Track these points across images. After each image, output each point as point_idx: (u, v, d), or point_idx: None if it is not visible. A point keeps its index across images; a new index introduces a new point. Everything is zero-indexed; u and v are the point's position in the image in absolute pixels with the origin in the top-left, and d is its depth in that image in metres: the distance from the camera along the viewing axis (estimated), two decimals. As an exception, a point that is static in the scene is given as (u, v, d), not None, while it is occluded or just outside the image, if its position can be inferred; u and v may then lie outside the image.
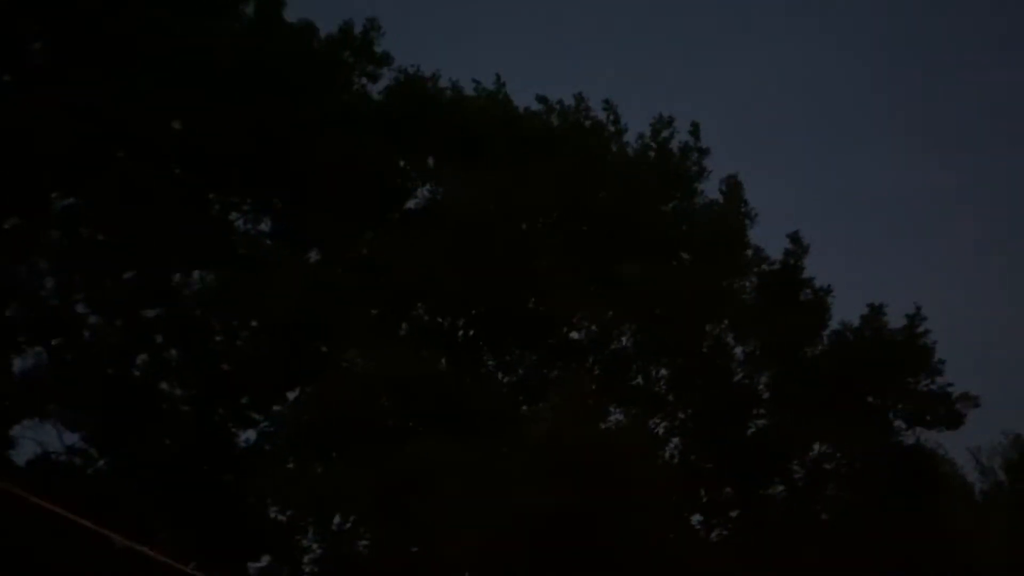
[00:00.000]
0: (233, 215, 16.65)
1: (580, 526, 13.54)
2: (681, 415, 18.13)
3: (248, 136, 15.01)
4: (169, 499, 13.66)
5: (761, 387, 19.13)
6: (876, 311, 19.19)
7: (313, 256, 16.98)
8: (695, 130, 19.05)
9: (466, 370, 16.16)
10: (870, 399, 19.21)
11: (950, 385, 18.79)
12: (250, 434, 16.01)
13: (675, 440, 18.26)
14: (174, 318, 15.66)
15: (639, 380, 17.89)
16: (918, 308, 18.95)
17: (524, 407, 15.50)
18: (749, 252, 19.13)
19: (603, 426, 15.79)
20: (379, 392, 15.31)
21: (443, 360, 16.28)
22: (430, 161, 17.64)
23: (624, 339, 17.99)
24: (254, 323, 16.25)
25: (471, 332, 17.46)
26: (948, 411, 18.82)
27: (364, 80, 17.06)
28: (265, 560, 15.38)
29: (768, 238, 19.42)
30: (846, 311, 19.37)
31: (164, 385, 15.61)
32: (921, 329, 18.96)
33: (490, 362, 17.33)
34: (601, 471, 13.65)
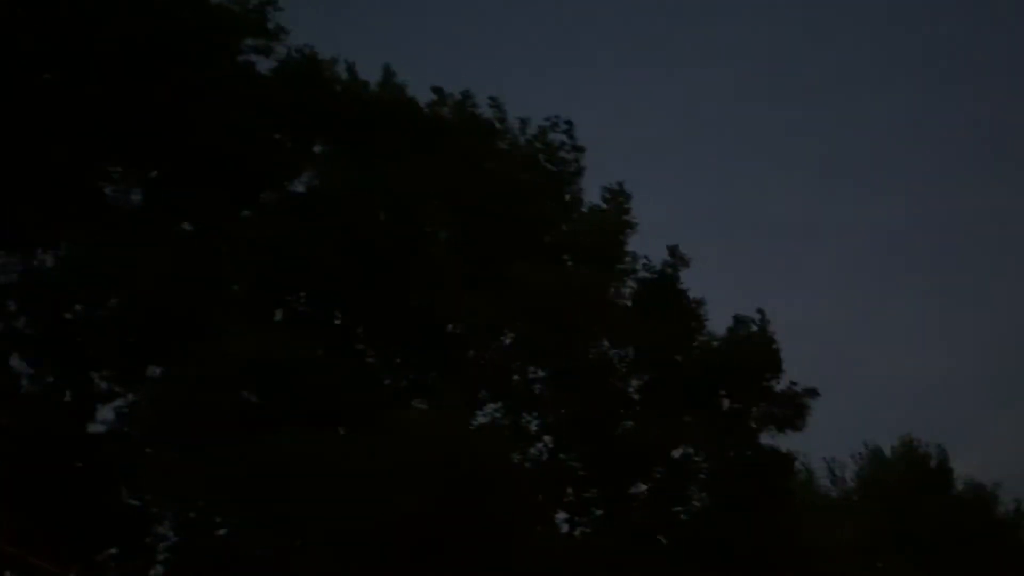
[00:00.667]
0: (102, 184, 15.76)
1: (442, 524, 13.41)
2: (554, 415, 18.24)
3: (122, 101, 14.22)
4: (12, 484, 12.81)
5: (633, 391, 19.53)
6: (741, 321, 19.81)
7: (186, 232, 16.23)
8: (570, 129, 19.38)
9: (342, 361, 15.74)
10: (731, 403, 19.78)
11: (794, 384, 19.54)
12: (108, 414, 15.25)
13: (547, 439, 18.37)
14: (30, 287, 14.74)
15: (517, 378, 17.89)
16: (760, 311, 19.67)
17: (398, 403, 15.20)
18: (628, 259, 19.50)
19: (470, 424, 15.66)
20: (248, 377, 14.78)
21: (319, 350, 15.83)
22: (317, 145, 17.20)
23: (504, 337, 17.97)
24: (117, 297, 15.45)
25: (350, 323, 17.07)
26: (794, 409, 19.49)
27: (254, 55, 16.49)
28: (116, 550, 14.62)
29: (653, 250, 19.84)
30: (721, 320, 19.90)
31: (14, 360, 14.67)
32: (770, 331, 19.66)
33: (368, 355, 16.98)
34: (464, 469, 13.55)
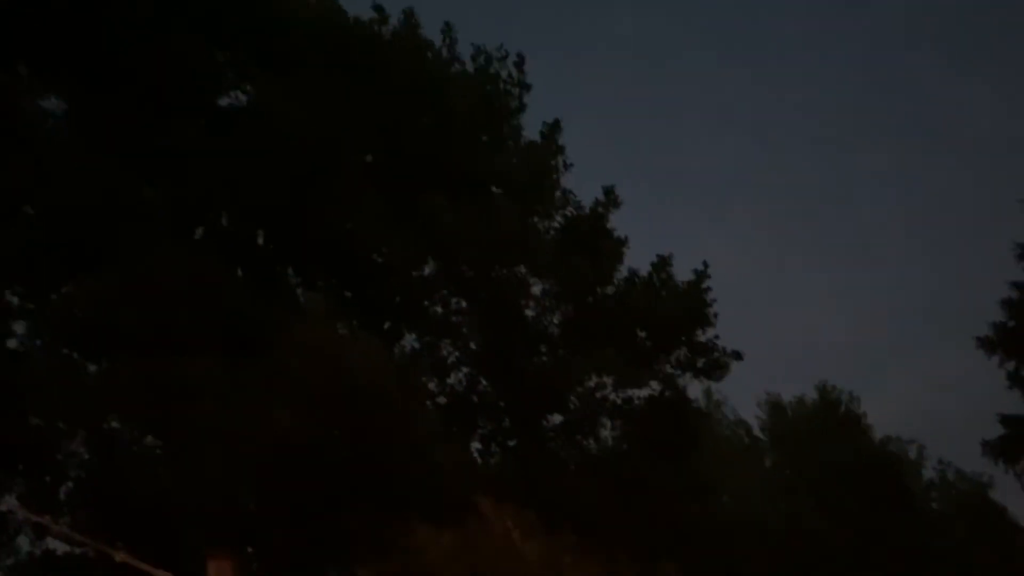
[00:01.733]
0: (17, 91, 14.96)
1: (347, 449, 13.45)
2: (473, 346, 18.29)
3: (38, 7, 13.46)
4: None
5: (552, 324, 19.68)
6: (664, 262, 20.01)
7: (104, 144, 15.57)
8: (520, 63, 19.08)
9: (261, 286, 15.45)
10: (650, 343, 20.07)
11: (717, 338, 19.93)
12: (19, 329, 14.77)
13: (464, 370, 18.44)
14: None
15: (437, 309, 17.84)
16: (705, 265, 19.92)
17: (313, 326, 14.98)
18: (559, 195, 19.43)
19: (385, 351, 15.58)
20: (163, 295, 14.42)
21: (238, 270, 15.51)
22: (245, 61, 16.55)
23: (426, 267, 17.84)
24: (29, 209, 14.83)
25: (271, 245, 16.71)
26: (716, 362, 19.93)
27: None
28: (23, 467, 14.29)
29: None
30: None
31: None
32: (705, 285, 19.92)
33: (288, 279, 16.71)
34: (371, 398, 13.54)
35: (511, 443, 19.24)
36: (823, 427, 27.87)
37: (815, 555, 23.74)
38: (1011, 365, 19.83)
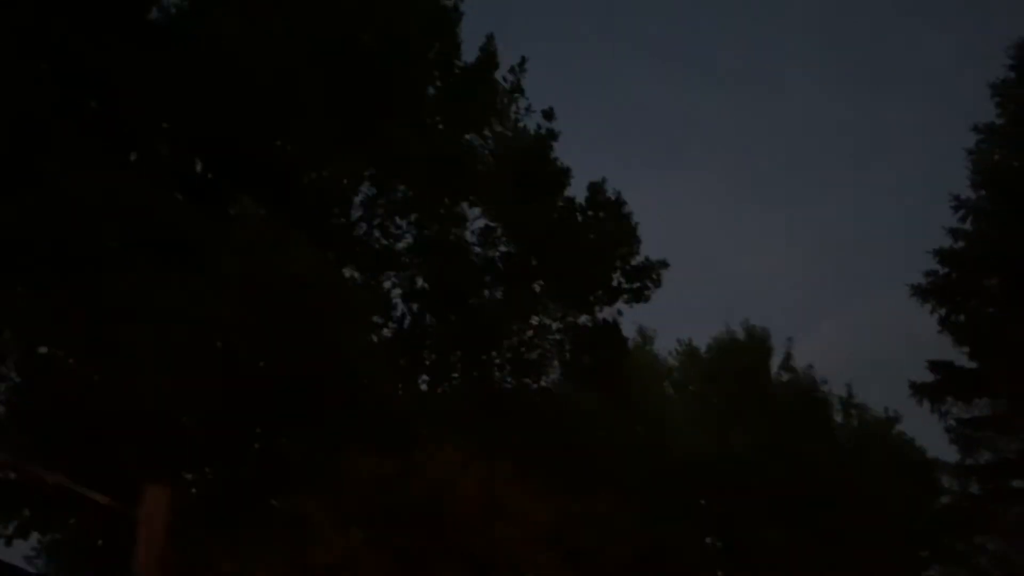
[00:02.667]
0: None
1: (288, 376, 13.24)
2: (419, 279, 18.06)
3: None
4: None
5: (496, 257, 19.55)
6: (597, 189, 19.93)
7: (32, 61, 14.72)
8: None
9: (201, 209, 14.92)
10: (587, 271, 20.05)
11: (647, 259, 19.96)
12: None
13: (409, 304, 18.23)
14: None
15: (380, 239, 17.49)
16: (618, 193, 19.87)
17: (253, 253, 14.56)
18: (503, 126, 19.14)
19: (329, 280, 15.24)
20: (98, 217, 13.85)
21: (177, 194, 14.93)
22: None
23: (367, 192, 17.43)
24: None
25: (211, 170, 16.11)
26: (646, 281, 19.97)
27: None
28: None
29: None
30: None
31: None
32: (626, 210, 19.89)
33: (228, 205, 16.15)
34: (316, 324, 13.29)
35: (455, 376, 19.17)
36: (749, 363, 28.56)
37: (743, 485, 24.40)
38: (942, 311, 20.24)
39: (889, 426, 29.57)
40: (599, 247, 19.78)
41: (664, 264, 19.99)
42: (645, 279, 19.93)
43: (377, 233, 17.21)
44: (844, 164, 68.30)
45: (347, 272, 16.81)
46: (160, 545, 13.11)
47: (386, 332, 17.68)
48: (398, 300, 18.05)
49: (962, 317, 20.26)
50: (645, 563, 18.26)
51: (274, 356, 13.80)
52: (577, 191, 19.96)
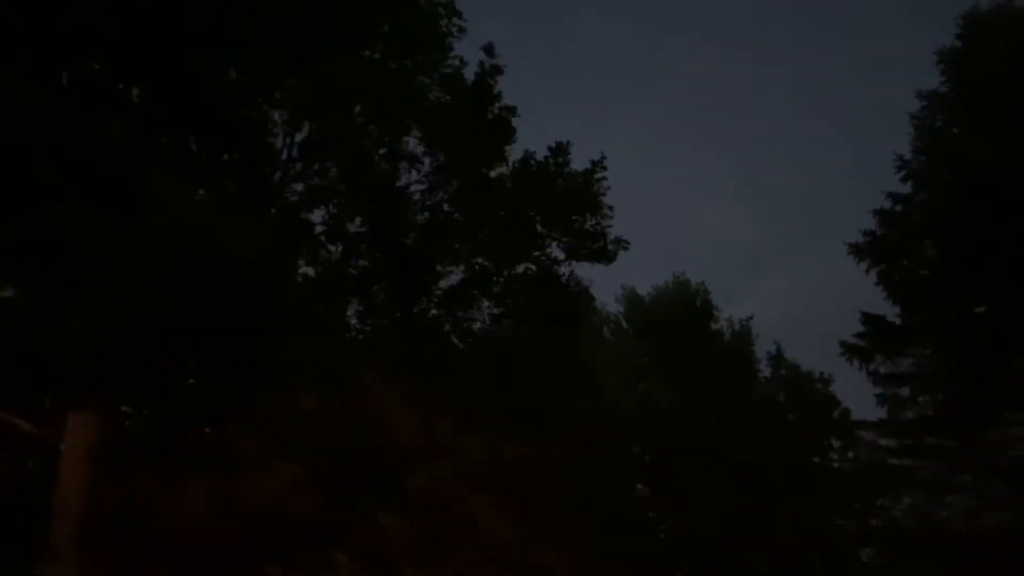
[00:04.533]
0: None
1: (223, 315, 12.82)
2: (357, 221, 17.54)
3: None
4: None
5: (440, 200, 19.12)
6: (562, 148, 19.59)
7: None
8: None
9: (135, 140, 14.23)
10: (540, 227, 19.75)
11: (609, 227, 19.76)
12: None
13: (344, 242, 17.69)
14: None
15: (316, 175, 16.92)
16: (603, 156, 19.55)
17: (185, 188, 13.95)
18: (451, 61, 18.58)
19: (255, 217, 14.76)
20: (27, 148, 13.16)
21: (112, 124, 14.20)
22: None
23: (307, 129, 16.80)
24: None
25: (146, 102, 15.31)
26: (603, 250, 19.78)
27: None
28: None
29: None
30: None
31: None
32: (600, 176, 19.59)
33: (162, 137, 15.42)
34: (241, 272, 12.86)
35: (391, 318, 18.80)
36: (687, 315, 28.78)
37: (675, 439, 24.69)
38: (878, 269, 20.44)
39: (821, 385, 30.12)
40: (557, 204, 19.46)
41: (626, 243, 19.76)
42: (602, 247, 19.73)
43: (314, 168, 16.62)
44: (795, 121, 68.59)
45: (279, 207, 16.27)
46: (84, 473, 12.73)
47: (320, 268, 17.16)
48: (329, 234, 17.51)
49: (896, 276, 20.49)
50: (579, 506, 18.30)
51: (207, 293, 13.32)
52: (532, 138, 19.60)
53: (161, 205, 13.22)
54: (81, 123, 13.23)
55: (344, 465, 13.04)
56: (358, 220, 17.94)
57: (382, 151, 17.90)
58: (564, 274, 20.06)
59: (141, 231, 13.05)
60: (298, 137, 17.10)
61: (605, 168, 19.59)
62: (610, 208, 19.71)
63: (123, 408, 14.58)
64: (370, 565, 12.55)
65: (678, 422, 24.68)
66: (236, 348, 13.93)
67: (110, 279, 12.24)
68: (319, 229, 17.56)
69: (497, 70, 18.94)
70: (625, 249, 19.93)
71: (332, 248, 17.76)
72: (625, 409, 24.35)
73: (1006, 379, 18.89)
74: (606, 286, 38.28)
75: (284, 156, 16.96)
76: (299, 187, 17.02)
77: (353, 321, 18.08)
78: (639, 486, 27.13)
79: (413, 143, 18.52)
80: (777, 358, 30.62)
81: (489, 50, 18.76)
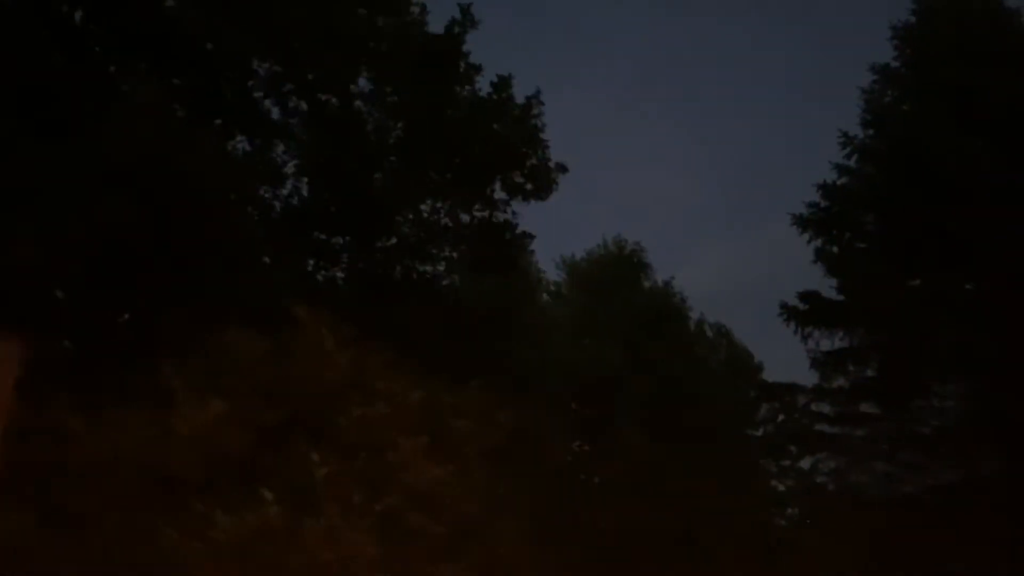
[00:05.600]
0: None
1: (170, 246, 12.50)
2: (309, 155, 17.19)
3: None
4: None
5: (393, 141, 18.85)
6: (504, 83, 19.36)
7: None
8: None
9: (81, 69, 13.71)
10: (485, 166, 19.58)
11: (548, 161, 19.54)
12: None
13: (299, 180, 17.42)
14: None
15: (275, 112, 16.57)
16: (538, 90, 19.35)
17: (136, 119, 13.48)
18: (414, 9, 18.25)
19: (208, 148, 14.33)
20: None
21: (55, 53, 13.66)
22: None
23: (264, 63, 16.36)
24: None
25: (91, 26, 14.73)
26: (544, 181, 19.68)
27: None
28: None
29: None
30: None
31: None
32: (536, 111, 19.42)
33: (110, 68, 14.89)
34: (196, 194, 12.51)
35: (342, 260, 18.60)
36: (616, 277, 28.99)
37: (609, 394, 24.93)
38: (819, 242, 20.64)
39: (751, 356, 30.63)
40: (502, 142, 19.24)
41: (564, 168, 19.65)
42: (543, 180, 19.56)
43: (270, 104, 16.22)
44: (745, 91, 68.70)
45: (235, 142, 15.85)
46: (8, 403, 12.38)
47: (276, 205, 16.85)
48: (290, 176, 17.20)
49: (835, 249, 20.71)
50: (512, 454, 18.39)
51: (152, 224, 12.98)
52: (482, 82, 19.33)
53: (98, 118, 12.81)
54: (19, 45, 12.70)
55: (276, 404, 12.87)
56: (318, 157, 17.64)
57: (339, 87, 17.52)
58: (507, 217, 20.08)
59: (75, 145, 12.63)
60: (262, 71, 16.69)
61: (542, 103, 19.50)
62: (547, 144, 19.67)
63: (51, 338, 14.20)
64: (297, 504, 12.45)
65: (613, 378, 24.88)
66: (174, 279, 13.63)
67: (39, 195, 11.83)
68: (270, 164, 17.23)
69: (471, 23, 18.65)
70: (564, 172, 19.81)
71: (291, 184, 17.49)
72: (563, 364, 24.47)
73: (934, 352, 19.28)
74: (549, 247, 38.20)
75: (246, 89, 16.53)
76: (258, 119, 16.63)
77: (302, 263, 17.87)
78: (578, 443, 27.41)
79: (365, 84, 18.27)
80: (715, 325, 31.09)
81: (465, 11, 18.49)
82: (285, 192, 17.32)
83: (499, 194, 19.68)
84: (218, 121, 15.12)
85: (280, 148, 16.91)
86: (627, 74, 67.46)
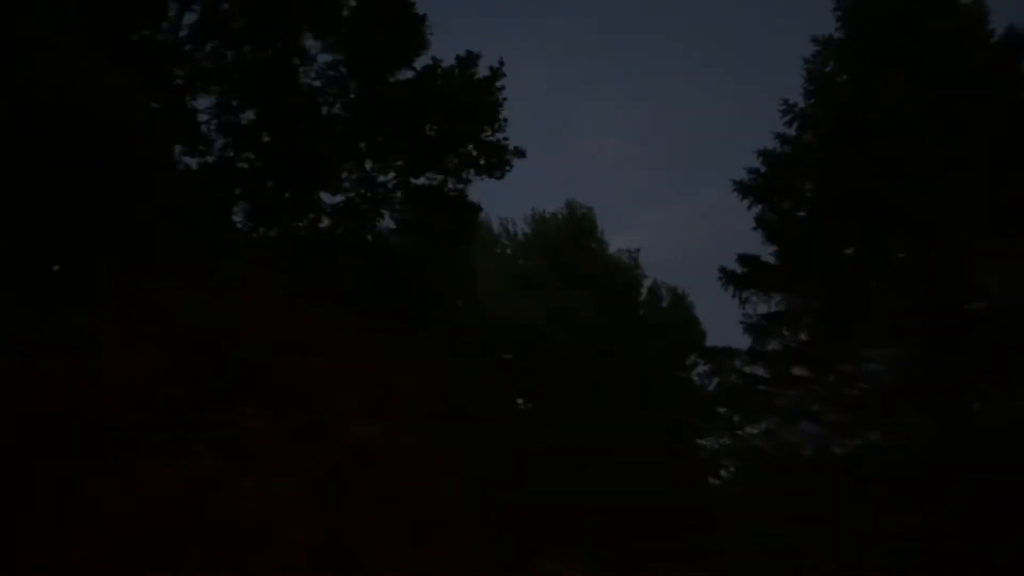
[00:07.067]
0: None
1: (94, 196, 12.00)
2: (249, 111, 16.64)
3: None
4: None
5: (338, 100, 18.35)
6: (471, 59, 18.99)
7: None
8: None
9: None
10: (439, 136, 19.22)
11: (505, 139, 19.27)
12: None
13: (232, 135, 16.78)
14: None
15: (205, 63, 15.91)
16: (501, 63, 18.98)
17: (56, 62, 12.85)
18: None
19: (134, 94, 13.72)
20: None
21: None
22: None
23: (192, 15, 15.75)
24: None
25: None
26: (499, 160, 19.43)
27: None
28: None
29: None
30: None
31: None
32: (498, 84, 19.08)
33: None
34: (120, 141, 12.00)
35: (279, 220, 18.09)
36: (569, 240, 28.98)
37: (553, 353, 24.93)
38: (759, 209, 20.68)
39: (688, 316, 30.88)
40: (458, 113, 18.85)
41: (521, 152, 19.34)
42: (499, 158, 19.27)
43: (199, 55, 15.58)
44: (693, 61, 68.68)
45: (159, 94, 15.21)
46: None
47: (208, 159, 16.29)
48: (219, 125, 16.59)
49: (774, 216, 20.77)
50: (452, 411, 18.26)
51: (75, 175, 12.43)
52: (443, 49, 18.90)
53: (33, 77, 12.20)
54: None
55: (209, 356, 12.52)
56: (250, 112, 17.10)
57: (279, 43, 16.98)
58: (460, 189, 19.77)
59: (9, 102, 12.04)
60: (188, 18, 16.10)
61: (504, 75, 19.16)
62: (505, 120, 19.36)
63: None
64: (230, 457, 12.17)
65: (558, 337, 24.86)
66: (108, 229, 13.14)
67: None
68: (205, 117, 16.67)
69: None
70: (521, 157, 19.63)
71: (220, 138, 16.88)
72: (508, 323, 24.37)
73: (864, 318, 19.52)
74: (500, 206, 37.95)
75: (175, 40, 15.91)
76: (187, 71, 16.01)
77: (239, 219, 17.38)
78: (520, 401, 27.40)
79: (311, 41, 17.72)
80: (669, 290, 31.24)
81: None
82: (219, 146, 16.72)
83: (453, 164, 19.36)
84: (147, 70, 14.49)
85: (212, 99, 16.27)
86: (574, 37, 66.95)
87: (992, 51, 19.62)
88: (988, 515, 16.67)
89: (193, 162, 16.02)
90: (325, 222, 18.72)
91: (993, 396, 18.67)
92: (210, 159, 16.47)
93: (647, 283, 31.25)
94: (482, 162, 19.43)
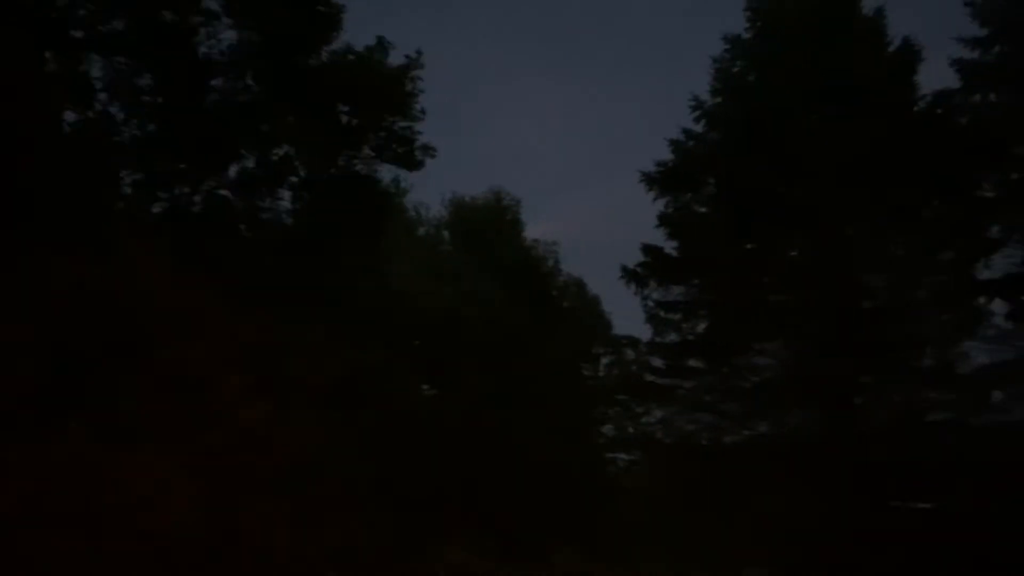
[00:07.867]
0: None
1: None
2: (144, 76, 15.93)
3: None
4: None
5: (245, 77, 17.78)
6: (383, 46, 18.62)
7: None
8: None
9: None
10: (349, 122, 18.81)
11: (420, 134, 19.02)
12: None
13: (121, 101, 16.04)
14: None
15: (96, 25, 15.16)
16: (419, 53, 18.65)
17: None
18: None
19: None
20: None
21: None
22: None
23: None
24: None
25: None
26: (411, 154, 19.16)
27: None
28: None
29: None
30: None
31: None
32: (413, 75, 18.76)
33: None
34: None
35: (174, 191, 17.41)
36: (490, 226, 28.84)
37: (461, 341, 24.77)
38: (664, 201, 20.88)
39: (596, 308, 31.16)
40: (369, 100, 18.45)
41: (433, 151, 19.05)
42: (409, 150, 18.96)
43: (84, 13, 14.82)
44: (614, 45, 69.02)
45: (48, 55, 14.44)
46: None
47: (98, 124, 15.49)
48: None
49: (673, 212, 20.98)
50: (351, 394, 17.93)
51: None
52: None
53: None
54: None
55: (91, 333, 11.94)
56: (146, 77, 16.35)
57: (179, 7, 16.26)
58: (369, 174, 19.41)
59: None
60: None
61: (422, 67, 18.83)
62: (422, 111, 19.03)
63: None
64: (110, 439, 11.64)
65: (469, 324, 24.72)
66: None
67: None
68: (99, 79, 15.84)
69: None
70: (432, 157, 19.37)
71: (113, 104, 16.09)
72: (417, 309, 24.08)
73: (760, 312, 19.91)
74: (418, 189, 37.55)
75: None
76: (80, 33, 15.21)
77: (129, 190, 16.62)
78: (425, 386, 27.15)
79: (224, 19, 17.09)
80: (574, 281, 31.39)
81: None
82: (112, 111, 15.93)
83: (364, 153, 18.98)
84: (27, 34, 13.68)
85: (98, 66, 15.49)
86: (501, 25, 66.52)
87: (888, 60, 20.14)
88: (869, 499, 17.34)
89: (80, 125, 15.20)
90: (221, 198, 18.14)
91: (874, 391, 19.30)
92: (100, 124, 15.64)
93: (561, 275, 31.36)
94: (396, 151, 19.12)
